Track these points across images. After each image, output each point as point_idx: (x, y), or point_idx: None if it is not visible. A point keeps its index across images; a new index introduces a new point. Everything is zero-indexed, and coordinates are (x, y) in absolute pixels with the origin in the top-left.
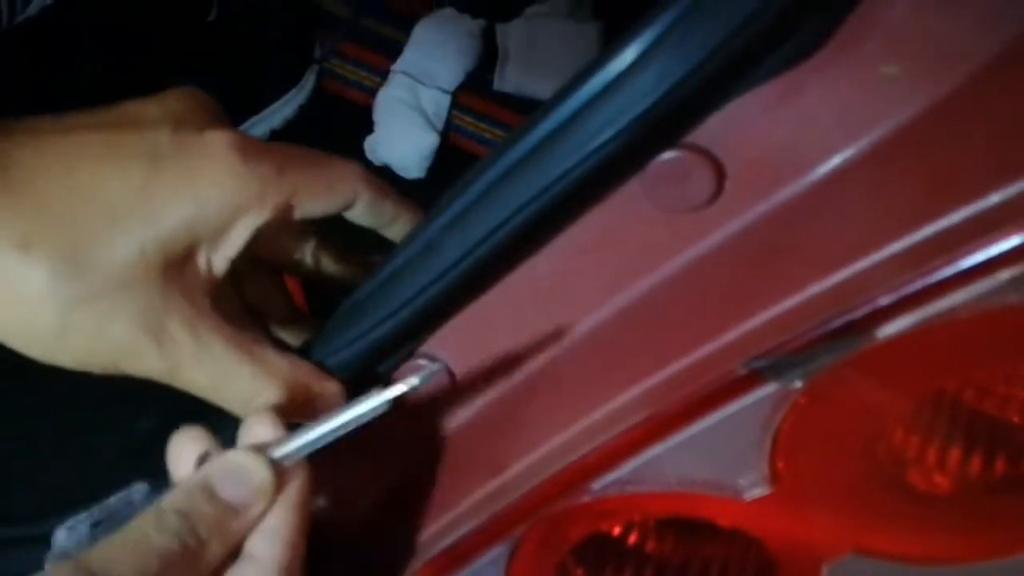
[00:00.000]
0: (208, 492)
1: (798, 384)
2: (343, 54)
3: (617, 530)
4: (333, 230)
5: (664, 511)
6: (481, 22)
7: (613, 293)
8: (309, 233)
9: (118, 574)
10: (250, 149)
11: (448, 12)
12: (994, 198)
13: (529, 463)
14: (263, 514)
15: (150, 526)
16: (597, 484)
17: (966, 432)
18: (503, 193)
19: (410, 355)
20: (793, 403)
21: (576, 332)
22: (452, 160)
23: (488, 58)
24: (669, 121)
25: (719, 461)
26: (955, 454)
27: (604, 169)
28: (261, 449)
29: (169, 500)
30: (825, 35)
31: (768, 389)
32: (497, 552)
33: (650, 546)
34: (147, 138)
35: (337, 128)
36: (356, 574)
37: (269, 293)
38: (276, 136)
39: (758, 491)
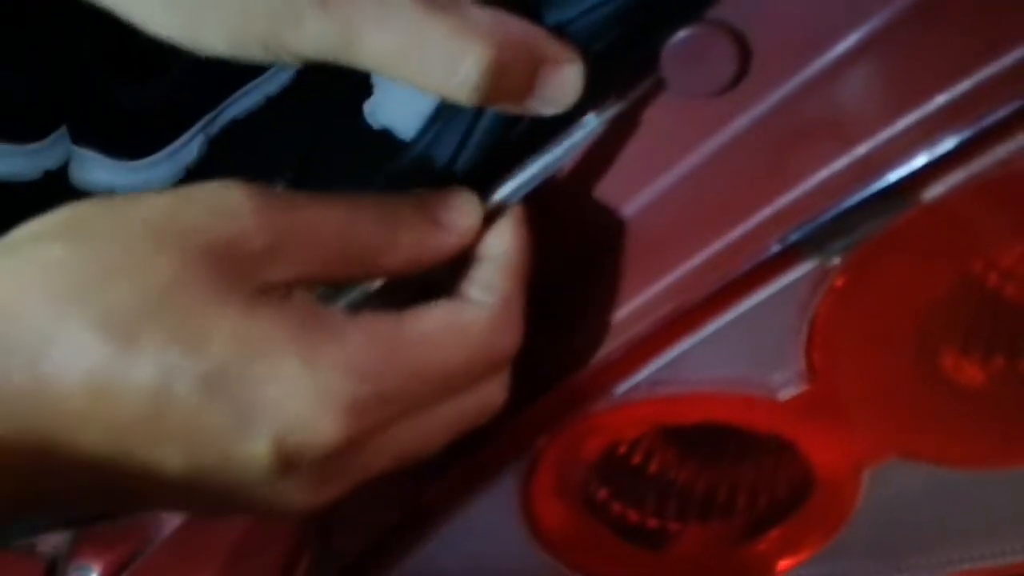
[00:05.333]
0: (419, 202)
1: (836, 260)
2: None
3: (639, 457)
4: None
5: (692, 416)
6: None
7: (633, 191)
8: None
9: (311, 229)
10: None
11: None
12: None
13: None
14: (465, 243)
15: (358, 201)
16: (621, 387)
17: (1010, 320)
18: None
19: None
20: (831, 284)
21: (592, 236)
22: None
23: None
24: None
25: (752, 356)
26: (999, 344)
27: (609, 42)
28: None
29: (381, 196)
30: None
31: (805, 267)
32: (512, 470)
33: (674, 472)
34: None
35: (336, 91)
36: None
37: None
38: (272, 104)
39: (793, 389)
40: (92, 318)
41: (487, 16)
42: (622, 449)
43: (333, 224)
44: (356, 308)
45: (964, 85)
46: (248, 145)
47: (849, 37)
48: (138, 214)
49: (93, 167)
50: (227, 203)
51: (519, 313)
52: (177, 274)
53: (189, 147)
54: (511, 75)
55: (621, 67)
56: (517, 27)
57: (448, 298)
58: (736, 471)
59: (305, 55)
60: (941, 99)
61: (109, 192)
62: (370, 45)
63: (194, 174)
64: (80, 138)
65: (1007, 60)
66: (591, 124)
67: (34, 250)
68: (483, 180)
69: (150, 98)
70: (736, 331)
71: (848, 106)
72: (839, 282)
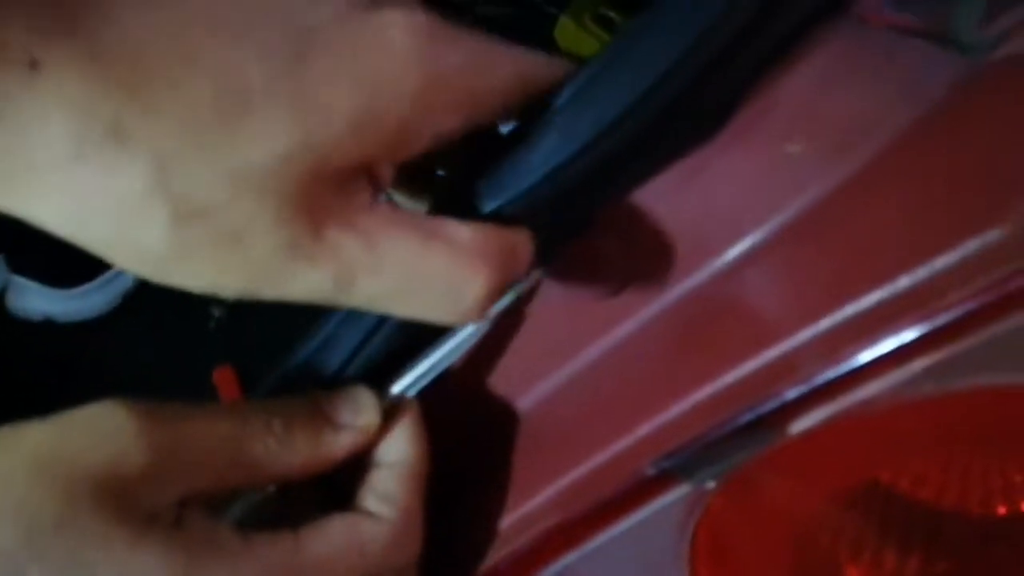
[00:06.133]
0: (313, 404)
1: (711, 484)
2: None
3: None
4: None
5: None
6: None
7: (524, 390)
8: None
9: (198, 442)
10: (440, 34)
11: None
12: (903, 282)
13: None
14: (362, 442)
15: (247, 406)
16: None
17: (896, 523)
18: None
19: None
20: (708, 504)
21: (484, 432)
22: None
23: None
24: (565, 202)
25: (638, 567)
26: (887, 546)
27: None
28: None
29: (271, 399)
30: (726, 116)
31: (680, 490)
32: None
33: None
34: (299, 7)
35: None
36: None
37: None
38: None
39: None
40: None
41: (473, 234)
42: None
43: (222, 434)
44: (253, 513)
45: (826, 323)
46: None
47: (724, 255)
48: (23, 450)
49: (30, 295)
50: (109, 427)
51: (418, 522)
52: (62, 511)
53: (125, 274)
54: (502, 285)
55: None
56: (496, 237)
57: (345, 512)
58: None
59: (290, 300)
60: (805, 334)
61: (46, 319)
62: (367, 292)
63: (130, 300)
64: (17, 266)
65: (869, 300)
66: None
67: None
68: (375, 379)
69: None
70: (621, 544)
71: (721, 328)
72: (715, 504)
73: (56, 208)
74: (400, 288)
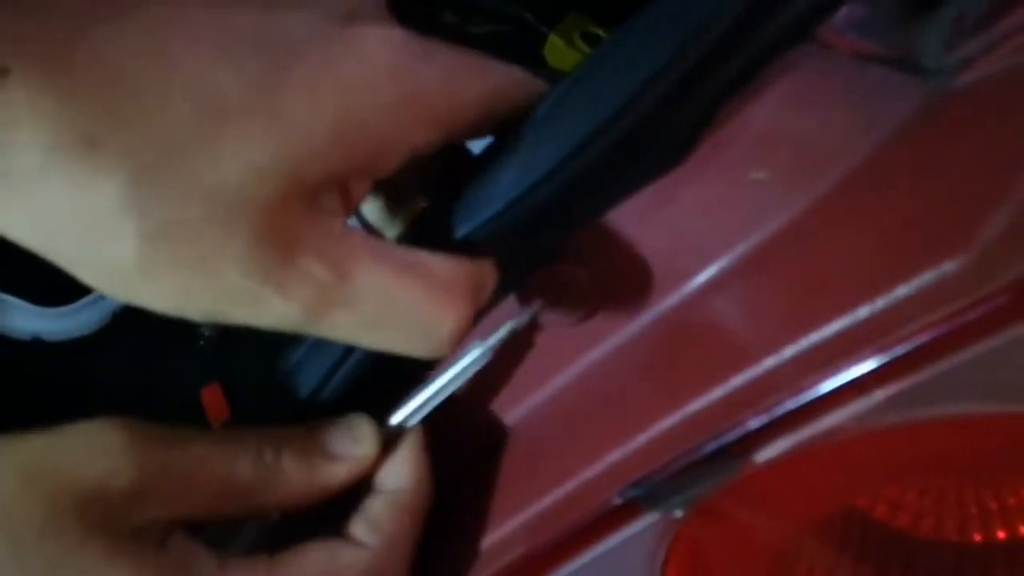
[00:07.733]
0: (308, 433)
1: (679, 513)
2: None
3: None
4: None
5: None
6: None
7: (500, 413)
8: None
9: (188, 467)
10: (417, 49)
11: None
12: (863, 311)
13: None
14: (359, 472)
15: (240, 434)
16: None
17: (873, 553)
18: None
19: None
20: (677, 533)
21: (452, 468)
22: None
23: None
24: (531, 229)
25: None
26: (868, 569)
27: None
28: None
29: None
30: (692, 143)
31: (648, 519)
32: None
33: None
34: (276, 21)
35: None
36: None
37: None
38: None
39: None
40: None
41: (447, 266)
42: None
43: (213, 461)
44: (258, 542)
45: (787, 352)
46: None
47: (693, 281)
48: (15, 457)
49: (18, 314)
50: (101, 442)
51: (403, 556)
52: (46, 518)
53: None
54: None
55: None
56: (468, 271)
57: (327, 537)
58: None
59: (259, 327)
60: (767, 364)
61: (35, 338)
62: (337, 324)
63: (120, 318)
64: (5, 285)
65: (829, 330)
66: (478, 352)
67: None
68: (350, 405)
69: None
70: (591, 574)
71: (686, 356)
72: (685, 533)
73: (25, 218)
74: (372, 321)
